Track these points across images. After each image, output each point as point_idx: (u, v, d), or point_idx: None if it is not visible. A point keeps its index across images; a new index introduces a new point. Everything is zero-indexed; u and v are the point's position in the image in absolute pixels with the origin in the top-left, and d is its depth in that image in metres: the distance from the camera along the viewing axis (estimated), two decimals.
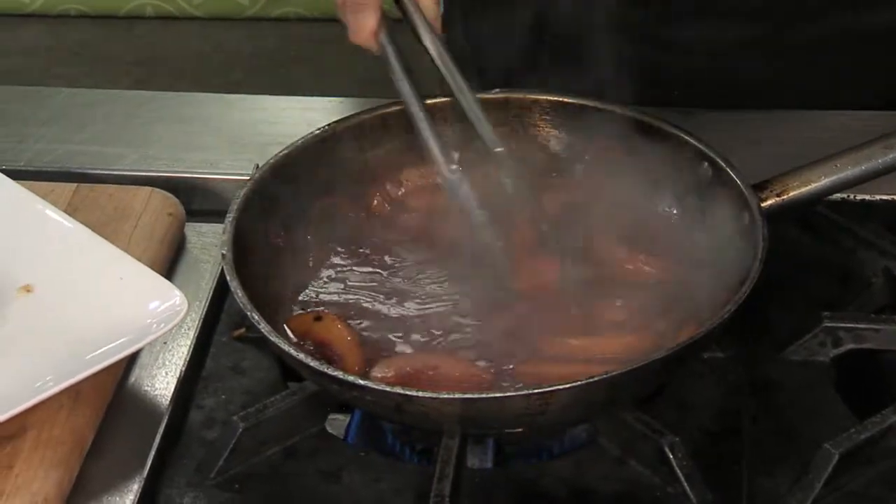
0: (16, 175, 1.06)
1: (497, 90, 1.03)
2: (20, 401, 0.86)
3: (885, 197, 1.07)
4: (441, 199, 1.01)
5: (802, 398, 0.91)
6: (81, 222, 1.00)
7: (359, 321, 0.93)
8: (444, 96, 1.00)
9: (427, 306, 0.94)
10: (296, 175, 0.99)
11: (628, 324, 0.91)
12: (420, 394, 0.81)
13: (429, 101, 0.98)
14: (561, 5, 1.11)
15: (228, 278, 0.88)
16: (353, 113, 1.03)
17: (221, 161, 1.15)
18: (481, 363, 0.89)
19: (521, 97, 1.03)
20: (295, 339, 0.90)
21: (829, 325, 0.93)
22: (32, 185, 1.05)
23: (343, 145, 1.01)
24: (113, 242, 0.98)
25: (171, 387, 0.94)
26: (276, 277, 0.95)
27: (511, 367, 0.88)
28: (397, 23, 0.99)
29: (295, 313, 0.94)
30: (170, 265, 1.05)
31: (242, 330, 0.97)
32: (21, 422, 0.88)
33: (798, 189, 0.95)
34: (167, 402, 0.93)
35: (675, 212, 0.99)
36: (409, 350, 0.91)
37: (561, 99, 1.02)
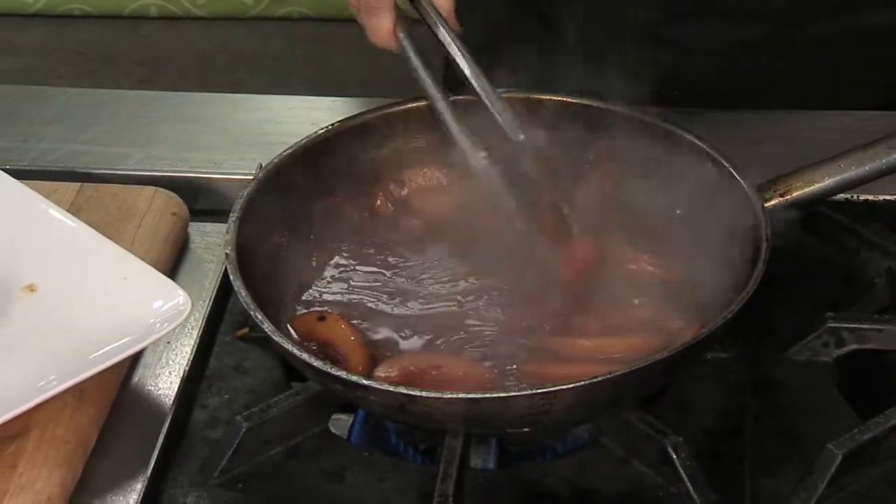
0: (20, 175, 1.06)
1: (499, 90, 1.03)
2: (24, 400, 0.86)
3: (888, 197, 1.07)
4: (445, 200, 1.01)
5: (806, 398, 0.91)
6: (85, 222, 1.00)
7: (362, 321, 0.93)
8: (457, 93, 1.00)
9: (430, 306, 0.94)
10: (299, 175, 0.99)
11: (632, 324, 0.91)
12: (423, 394, 0.81)
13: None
14: (562, 5, 1.11)
15: (232, 278, 0.88)
16: (356, 113, 1.03)
17: (225, 161, 1.15)
18: (485, 363, 0.89)
19: (523, 97, 1.03)
20: (298, 339, 0.90)
21: (833, 325, 0.93)
22: (36, 185, 1.05)
23: (347, 145, 1.01)
24: (117, 242, 0.98)
25: (175, 386, 0.94)
26: (280, 277, 0.95)
27: (514, 366, 0.88)
28: (416, 22, 0.99)
29: (298, 313, 0.94)
30: (173, 265, 1.06)
31: (246, 329, 0.97)
32: (25, 421, 0.88)
33: (801, 189, 0.95)
34: (171, 402, 0.93)
35: (678, 212, 0.99)
36: (412, 350, 0.91)
37: (563, 99, 1.02)
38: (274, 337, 0.85)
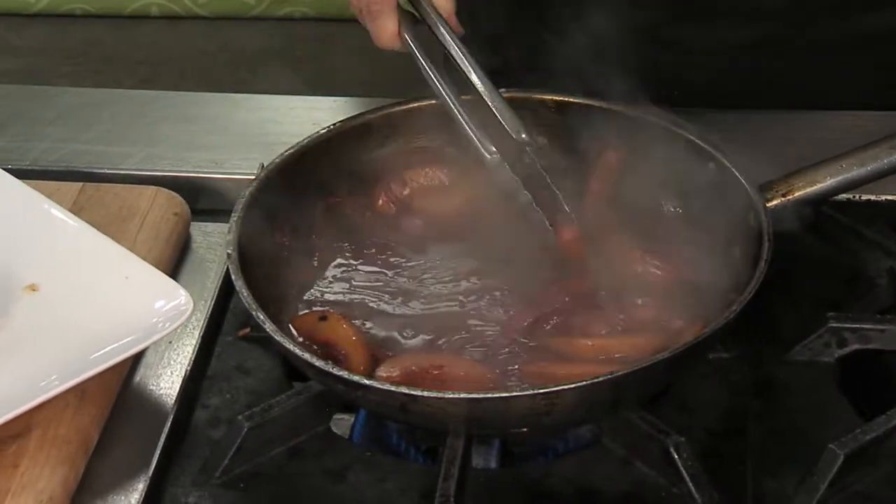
0: (21, 174, 1.06)
1: (501, 90, 1.03)
2: (26, 400, 0.86)
3: (890, 197, 1.07)
4: (447, 200, 1.01)
5: (808, 399, 0.91)
6: (87, 221, 1.00)
7: (364, 321, 0.93)
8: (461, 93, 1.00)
9: (432, 306, 0.94)
10: (301, 175, 0.99)
11: (634, 324, 0.91)
12: (425, 394, 0.81)
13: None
14: (564, 5, 1.11)
15: (234, 278, 0.88)
16: (358, 112, 1.03)
17: (227, 160, 1.15)
18: (486, 363, 0.89)
19: (524, 97, 1.03)
20: (300, 339, 0.90)
21: (835, 325, 0.93)
22: (38, 185, 1.05)
23: (348, 145, 1.01)
24: (118, 242, 0.98)
25: (177, 386, 0.94)
26: (282, 277, 0.95)
27: (516, 367, 0.88)
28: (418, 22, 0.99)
29: (300, 313, 0.94)
30: (175, 264, 1.06)
31: (248, 329, 0.97)
32: (27, 420, 0.88)
33: (803, 189, 0.95)
34: (172, 402, 0.93)
35: (679, 212, 0.99)
36: (414, 350, 0.90)
37: (564, 98, 1.02)
38: (276, 337, 0.85)
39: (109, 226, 1.03)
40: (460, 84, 0.98)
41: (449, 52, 0.98)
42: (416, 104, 1.02)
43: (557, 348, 0.90)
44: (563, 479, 0.86)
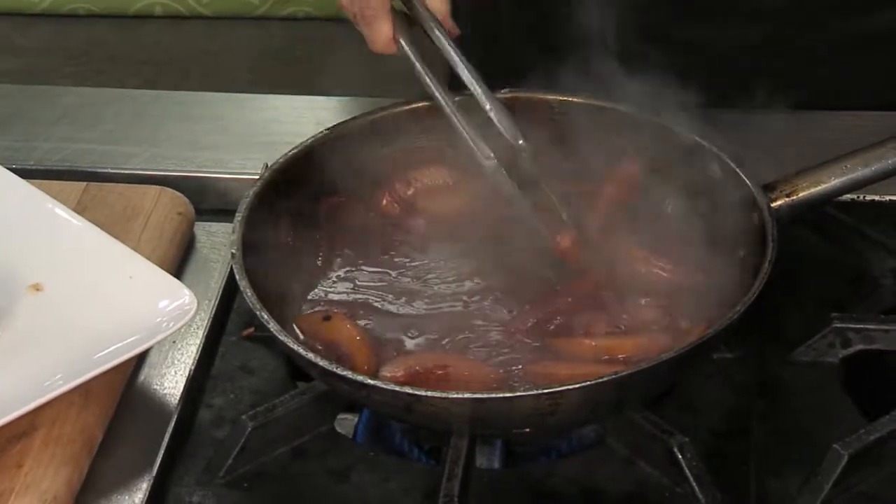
0: (25, 174, 1.06)
1: (505, 90, 1.03)
2: (29, 399, 0.86)
3: (894, 198, 1.07)
4: (450, 200, 1.01)
5: (812, 399, 0.91)
6: (91, 221, 1.00)
7: (368, 321, 0.93)
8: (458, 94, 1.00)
9: (436, 306, 0.94)
10: (305, 174, 0.99)
11: (638, 324, 0.91)
12: (429, 393, 0.81)
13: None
14: (569, 5, 1.11)
15: (238, 277, 0.88)
16: (362, 112, 1.03)
17: (231, 160, 1.15)
18: (490, 363, 0.89)
19: (529, 97, 1.03)
20: (304, 339, 0.90)
21: (839, 325, 0.93)
22: (42, 184, 1.05)
23: (352, 145, 1.01)
24: (122, 241, 0.98)
25: (181, 386, 0.94)
26: (286, 277, 0.95)
27: (520, 367, 0.88)
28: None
29: (304, 313, 0.94)
30: (179, 264, 1.06)
31: (251, 329, 0.97)
32: (31, 420, 0.88)
33: (808, 190, 0.95)
34: (176, 401, 0.93)
35: (683, 212, 0.99)
36: (417, 350, 0.90)
37: (569, 99, 1.02)
38: (280, 336, 0.85)
39: (113, 225, 1.03)
40: (457, 87, 0.98)
41: (445, 55, 0.97)
42: (420, 104, 1.02)
43: (561, 348, 0.90)
44: (567, 479, 0.86)
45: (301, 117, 1.19)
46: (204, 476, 0.88)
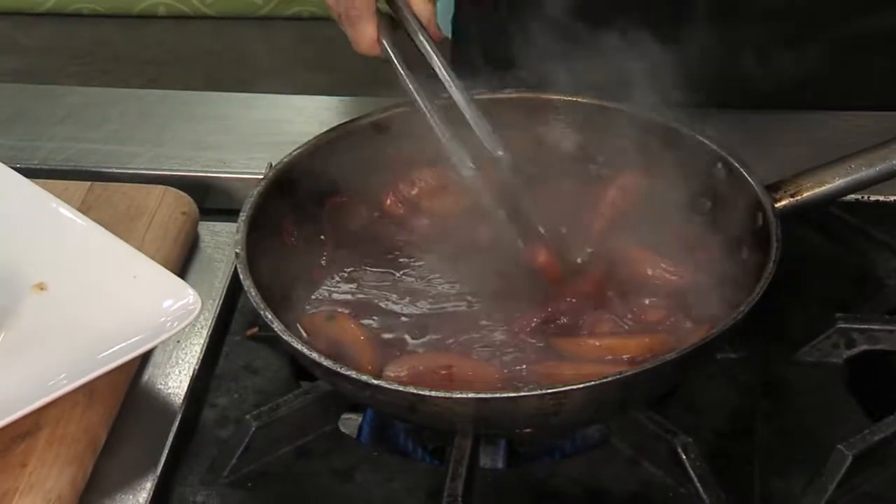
0: (30, 173, 1.06)
1: (510, 90, 1.03)
2: (34, 398, 0.86)
3: None
4: (454, 200, 1.01)
5: (816, 399, 0.91)
6: (95, 221, 1.00)
7: (372, 320, 0.93)
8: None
9: (440, 306, 0.94)
10: (309, 174, 0.99)
11: (642, 324, 0.91)
12: (433, 393, 0.81)
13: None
14: (576, 5, 1.10)
15: (242, 277, 0.88)
16: (366, 112, 1.03)
17: (235, 160, 1.15)
18: (494, 363, 0.89)
19: (534, 97, 1.03)
20: (308, 339, 0.90)
21: (843, 326, 0.93)
22: (46, 184, 1.05)
23: (356, 145, 1.01)
24: (126, 241, 0.98)
25: (185, 385, 0.94)
26: (290, 277, 0.95)
27: (524, 367, 0.88)
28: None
29: (308, 312, 0.94)
30: (183, 264, 1.06)
31: (255, 329, 0.97)
32: (35, 419, 0.88)
33: (812, 190, 0.95)
34: (180, 401, 0.93)
35: (687, 212, 0.99)
36: (421, 350, 0.90)
37: (574, 99, 1.02)
38: (283, 336, 0.85)
39: (117, 225, 1.03)
40: (440, 92, 0.97)
41: (427, 59, 0.97)
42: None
43: (565, 348, 0.90)
44: (571, 479, 0.86)
45: (305, 117, 1.19)
46: (208, 476, 0.88)
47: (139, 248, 0.98)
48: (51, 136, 1.19)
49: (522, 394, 0.82)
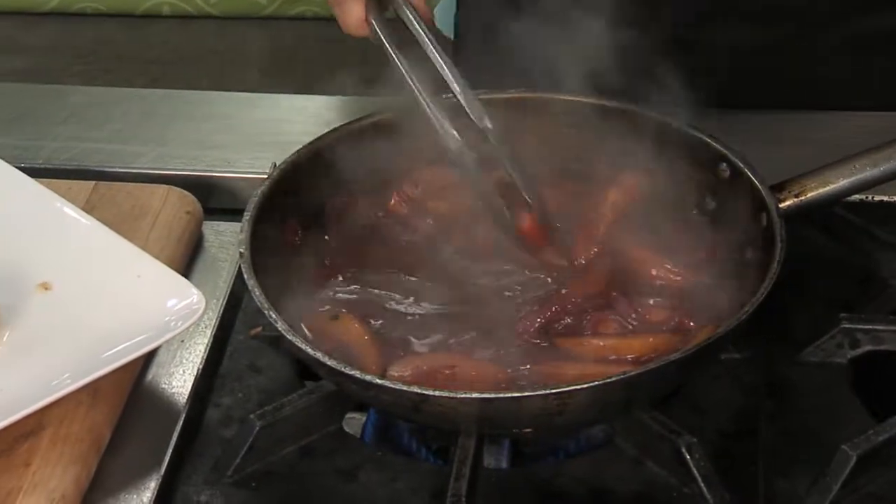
0: (34, 173, 1.06)
1: (513, 90, 1.03)
2: (38, 398, 0.86)
3: None
4: (459, 199, 1.01)
5: (820, 399, 0.91)
6: (99, 220, 1.01)
7: (376, 320, 0.92)
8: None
9: (444, 305, 0.94)
10: (313, 174, 0.99)
11: (646, 324, 0.91)
12: (437, 393, 0.81)
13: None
14: (583, 4, 1.10)
15: (246, 277, 0.88)
16: (369, 112, 1.03)
17: (239, 160, 1.15)
18: (498, 363, 0.89)
19: (538, 97, 1.03)
20: (312, 338, 0.90)
21: (847, 326, 0.93)
22: (50, 183, 1.05)
23: (360, 144, 1.01)
24: (130, 240, 0.98)
25: (189, 385, 0.94)
26: (294, 276, 0.95)
27: (528, 367, 0.88)
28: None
29: (312, 312, 0.94)
30: (187, 263, 1.06)
31: (259, 328, 0.97)
32: (39, 419, 0.88)
33: (816, 190, 0.94)
34: (184, 400, 0.93)
35: (692, 212, 0.99)
36: (425, 349, 0.90)
37: (579, 99, 1.02)
38: (288, 336, 0.85)
39: (122, 224, 1.03)
40: (428, 71, 0.96)
41: (415, 35, 0.96)
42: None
43: (569, 348, 0.90)
44: (575, 478, 0.86)
45: (309, 117, 1.19)
46: (212, 475, 0.88)
47: (143, 248, 0.98)
48: (55, 135, 1.19)
49: (526, 394, 0.82)
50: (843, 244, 1.03)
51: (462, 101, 0.94)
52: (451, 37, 1.38)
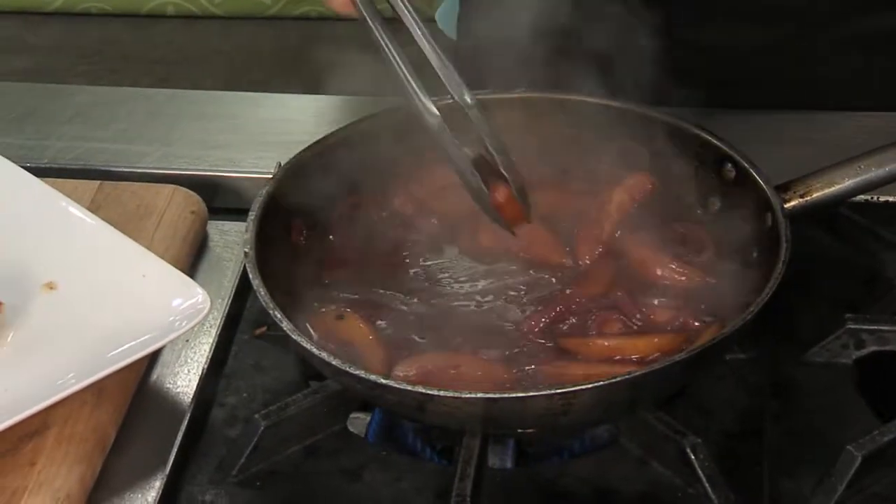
0: (39, 172, 1.06)
1: (517, 90, 1.03)
2: (42, 397, 0.86)
3: None
4: (463, 199, 1.01)
5: (825, 400, 0.91)
6: (104, 220, 1.01)
7: (381, 320, 0.93)
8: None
9: (449, 305, 0.94)
10: (318, 174, 0.99)
11: (651, 325, 0.91)
12: (442, 393, 0.81)
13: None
14: (584, 5, 1.10)
15: (251, 276, 0.88)
16: (374, 112, 1.03)
17: (244, 159, 1.15)
18: (503, 363, 0.89)
19: (542, 97, 1.03)
20: (317, 338, 0.90)
21: (852, 326, 0.93)
22: (56, 183, 1.05)
23: (365, 144, 1.01)
24: (136, 240, 0.98)
25: (194, 384, 0.94)
26: (299, 276, 0.95)
27: (533, 367, 0.88)
28: None
29: (317, 312, 0.94)
30: (192, 263, 1.06)
31: (264, 328, 0.97)
32: (43, 418, 0.88)
33: (821, 190, 0.94)
34: (189, 400, 0.93)
35: (697, 212, 0.99)
36: (430, 349, 0.90)
37: (582, 99, 1.02)
38: (292, 335, 0.85)
39: (127, 224, 1.03)
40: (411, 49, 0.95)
41: (397, 10, 0.95)
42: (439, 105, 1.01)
43: (574, 348, 0.90)
44: (579, 478, 0.86)
45: (314, 116, 1.19)
46: (217, 475, 0.88)
47: (148, 248, 0.98)
48: (60, 135, 1.19)
49: (531, 394, 0.82)
50: (849, 244, 1.03)
51: (441, 76, 0.93)
52: (454, 37, 1.38)
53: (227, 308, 0.99)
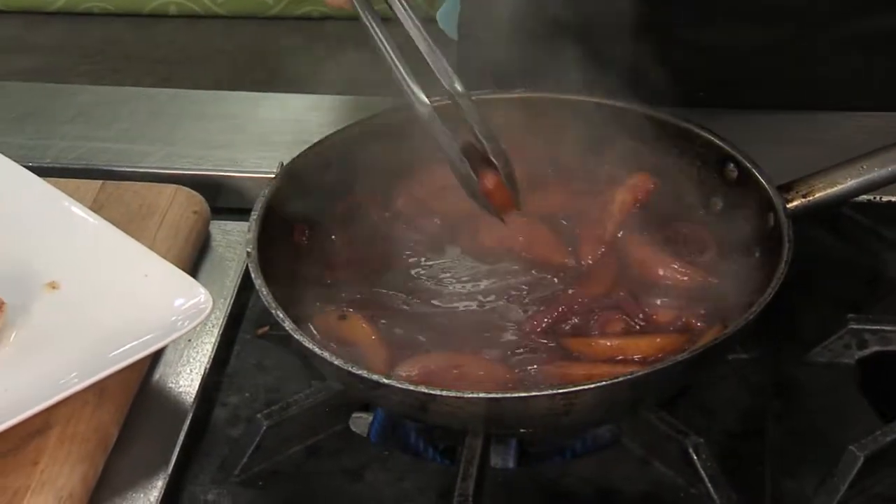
0: (42, 172, 1.06)
1: (519, 90, 1.03)
2: (45, 397, 0.86)
3: None
4: (464, 199, 1.01)
5: (827, 400, 0.91)
6: (107, 219, 1.01)
7: (383, 320, 0.93)
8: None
9: (451, 305, 0.94)
10: (320, 173, 0.99)
11: (654, 325, 0.91)
12: (444, 393, 0.81)
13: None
14: (587, 5, 1.11)
15: (253, 276, 0.88)
16: (377, 112, 1.03)
17: (246, 159, 1.15)
18: (505, 363, 0.89)
19: (542, 97, 1.03)
20: (319, 338, 0.90)
21: (855, 326, 0.93)
22: (58, 182, 1.05)
23: (368, 144, 1.01)
24: (138, 239, 0.99)
25: (196, 384, 0.94)
26: (301, 276, 0.95)
27: (535, 367, 0.88)
28: None
29: (319, 311, 0.94)
30: (195, 263, 1.06)
31: (267, 328, 0.97)
32: (46, 418, 0.88)
33: (824, 190, 0.94)
34: (191, 400, 0.93)
35: (699, 212, 0.99)
36: (433, 349, 0.90)
37: (584, 99, 1.02)
38: (295, 335, 0.85)
39: (129, 224, 1.03)
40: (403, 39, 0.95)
41: (390, 5, 0.94)
42: (435, 104, 1.01)
43: (576, 349, 0.90)
44: (582, 478, 0.86)
45: (316, 117, 1.19)
46: (219, 474, 0.88)
47: (151, 247, 0.98)
48: (62, 134, 1.19)
49: (533, 394, 0.82)
50: (851, 244, 1.03)
51: (431, 64, 0.93)
52: (454, 37, 1.38)
53: (230, 308, 0.99)
